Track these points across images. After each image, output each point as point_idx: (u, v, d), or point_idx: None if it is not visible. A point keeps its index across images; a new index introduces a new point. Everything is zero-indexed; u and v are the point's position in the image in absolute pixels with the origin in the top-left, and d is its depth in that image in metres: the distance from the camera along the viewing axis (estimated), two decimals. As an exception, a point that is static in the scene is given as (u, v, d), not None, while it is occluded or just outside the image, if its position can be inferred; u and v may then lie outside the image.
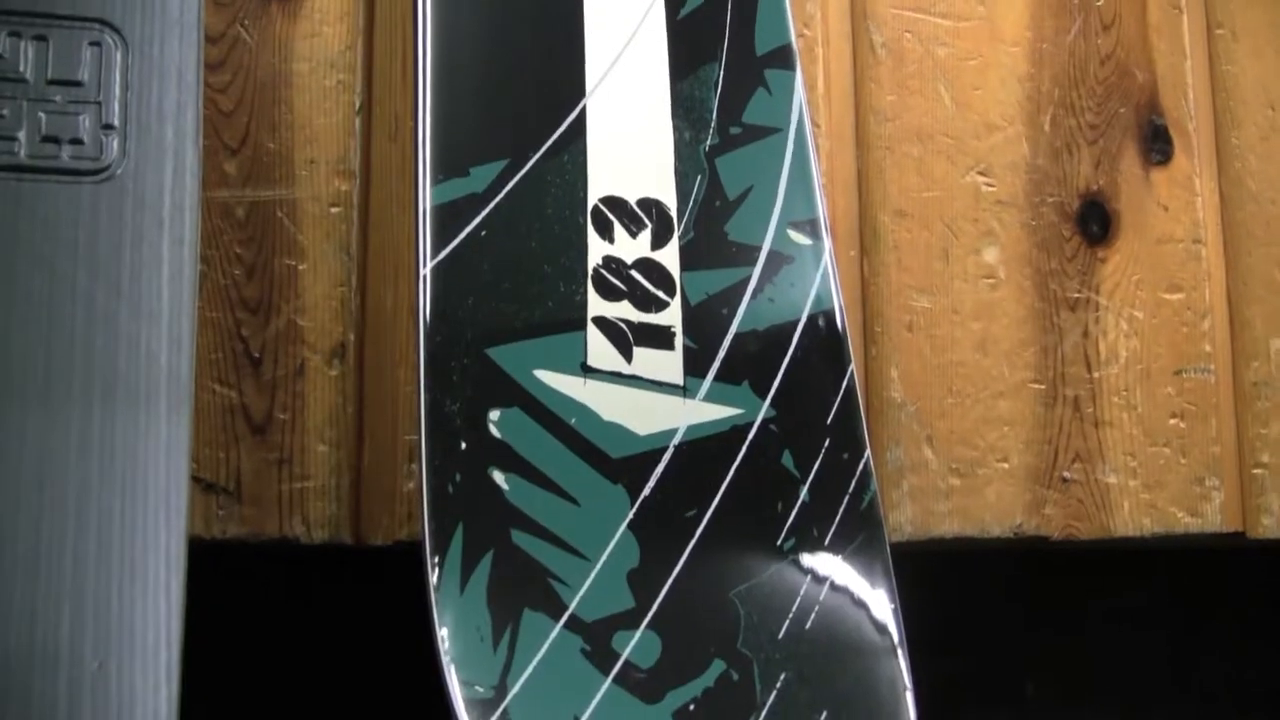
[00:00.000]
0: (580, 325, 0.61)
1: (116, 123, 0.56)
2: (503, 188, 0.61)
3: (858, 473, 0.63)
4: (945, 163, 0.82)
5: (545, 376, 0.59)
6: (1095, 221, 0.84)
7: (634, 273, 0.62)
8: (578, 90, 0.64)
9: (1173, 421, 0.83)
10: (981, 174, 0.82)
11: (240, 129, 0.69)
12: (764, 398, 0.62)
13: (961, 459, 0.79)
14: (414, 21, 0.64)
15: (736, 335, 0.63)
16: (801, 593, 0.59)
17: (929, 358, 0.80)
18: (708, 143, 0.66)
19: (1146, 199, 0.86)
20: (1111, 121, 0.86)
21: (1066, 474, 0.81)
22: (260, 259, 0.69)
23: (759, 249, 0.65)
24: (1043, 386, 0.81)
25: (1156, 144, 0.87)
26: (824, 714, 0.57)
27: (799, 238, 0.66)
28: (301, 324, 0.69)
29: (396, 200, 0.71)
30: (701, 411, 0.61)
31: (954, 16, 0.84)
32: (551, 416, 0.59)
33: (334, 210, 0.70)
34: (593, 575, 0.56)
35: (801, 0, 0.80)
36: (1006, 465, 0.80)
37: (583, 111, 0.64)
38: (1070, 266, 0.83)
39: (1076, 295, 0.83)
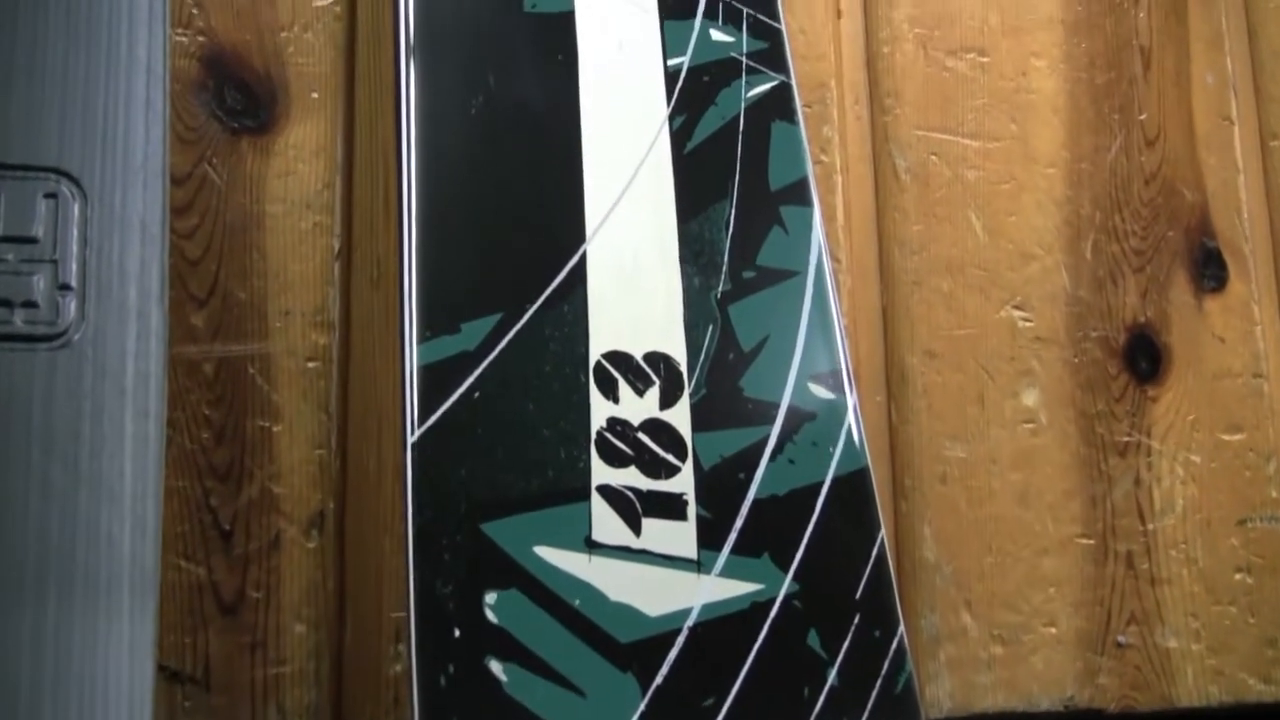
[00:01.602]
0: (584, 495, 0.61)
1: (74, 283, 0.57)
2: (497, 344, 0.62)
3: (891, 652, 0.62)
4: (978, 297, 0.83)
5: (546, 553, 0.59)
6: (1144, 357, 0.85)
7: (641, 435, 0.63)
8: (577, 234, 0.65)
9: (1239, 576, 0.83)
10: (1018, 308, 0.83)
11: (208, 278, 0.70)
12: (786, 571, 0.62)
13: (1004, 624, 0.79)
14: (398, 158, 0.65)
15: (755, 502, 0.63)
16: (832, 791, 0.59)
17: (965, 513, 0.80)
18: (719, 289, 0.67)
19: (1200, 330, 0.86)
20: (1159, 246, 0.87)
21: (1121, 638, 0.80)
22: (230, 420, 0.69)
23: (777, 406, 0.65)
24: (1092, 541, 0.81)
25: (1209, 269, 0.88)
26: None
27: (821, 391, 0.66)
28: (276, 491, 0.69)
29: (380, 352, 0.72)
30: (718, 588, 0.61)
31: (984, 136, 0.85)
32: (553, 598, 0.59)
33: (311, 365, 0.71)
34: (601, 776, 0.56)
35: (817, 124, 0.82)
36: (1054, 630, 0.79)
37: (583, 258, 0.65)
38: (1118, 407, 0.84)
39: (1126, 439, 0.83)
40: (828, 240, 0.71)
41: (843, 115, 0.83)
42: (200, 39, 0.72)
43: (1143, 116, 0.89)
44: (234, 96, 0.72)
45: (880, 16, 0.86)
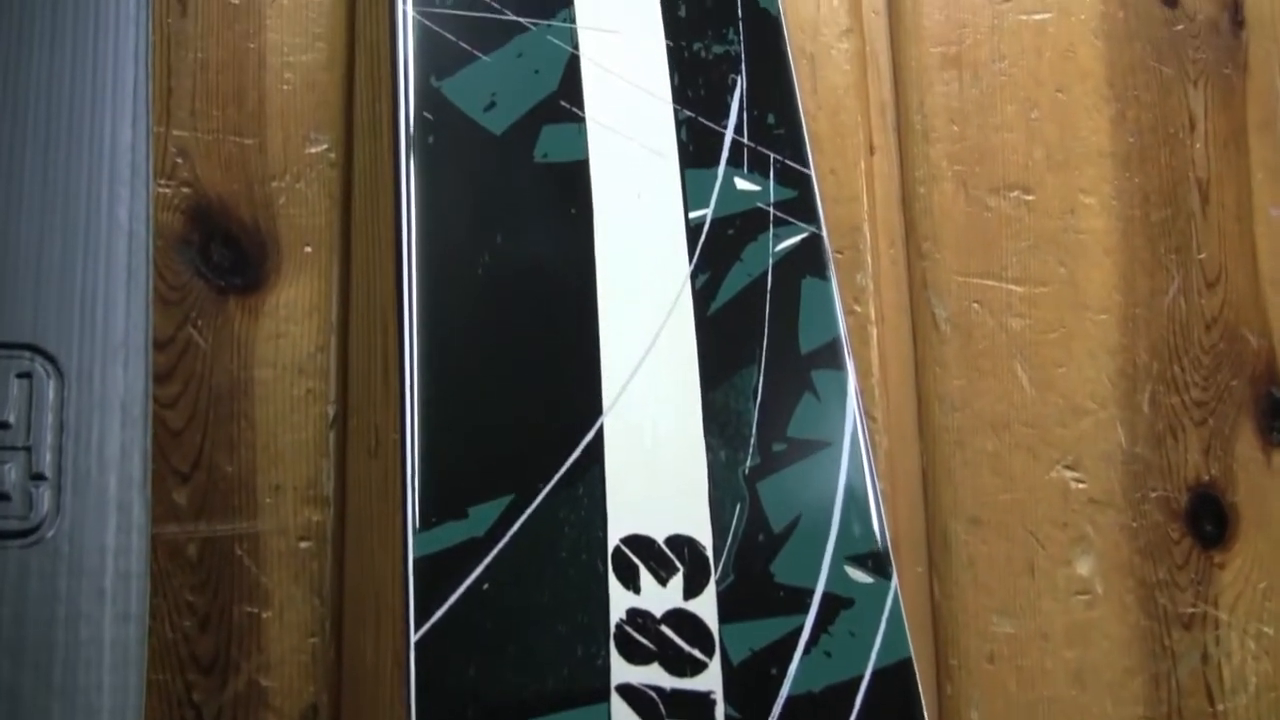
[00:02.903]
0: (602, 696, 0.61)
1: (49, 472, 0.57)
2: (508, 530, 0.62)
3: None
4: (1026, 457, 0.83)
5: (561, 763, 0.59)
6: (1209, 519, 0.85)
7: (664, 628, 0.63)
8: (593, 405, 0.65)
9: (1317, 762, 0.82)
10: (1070, 468, 0.83)
11: (192, 450, 0.70)
12: (824, 778, 0.62)
13: (1063, 821, 0.78)
14: (398, 319, 0.65)
15: (788, 700, 0.63)
16: None
17: (1015, 695, 0.79)
18: (747, 464, 0.67)
19: (1270, 488, 0.86)
20: (1222, 397, 0.87)
21: (1191, 834, 0.80)
22: (216, 607, 0.69)
23: (811, 592, 0.65)
24: (1157, 727, 0.81)
25: (1278, 421, 0.88)
26: None
27: (859, 575, 0.66)
28: (265, 684, 0.69)
29: (378, 528, 0.72)
30: (749, 799, 0.61)
31: (1030, 281, 0.86)
32: (570, 813, 0.58)
33: (304, 545, 0.71)
34: None
35: (850, 271, 0.82)
36: (1118, 826, 0.79)
37: (599, 432, 0.65)
38: (1181, 575, 0.83)
39: (1191, 610, 0.83)
40: (863, 398, 0.71)
41: (877, 261, 0.84)
42: (185, 190, 0.73)
43: (1202, 256, 0.90)
44: (221, 252, 0.73)
45: (916, 153, 0.86)
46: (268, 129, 0.75)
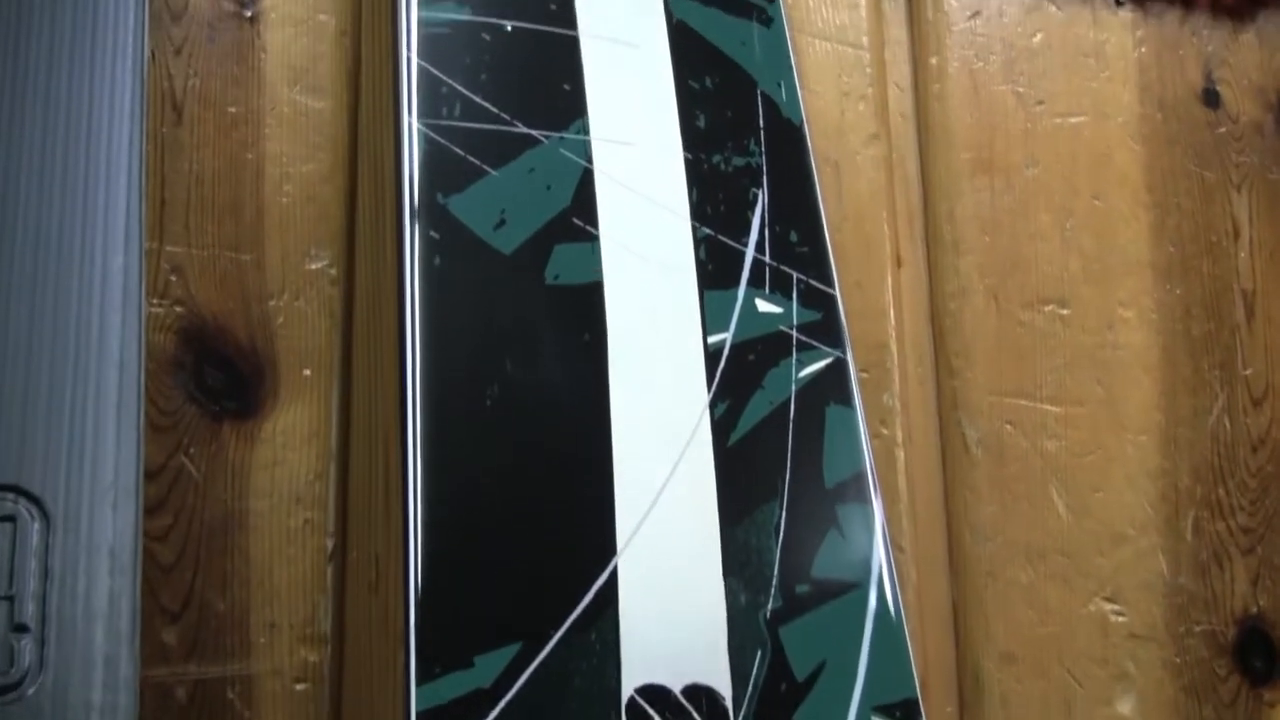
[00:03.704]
0: None
1: (32, 623, 0.57)
2: (515, 681, 0.62)
3: None
4: (1062, 588, 0.82)
5: None
6: (1258, 654, 0.84)
7: (681, 787, 0.62)
8: (606, 546, 0.65)
9: None
10: (1109, 600, 0.83)
11: (183, 587, 0.70)
12: None
13: None
14: (401, 452, 0.65)
15: None
16: None
17: (1055, 845, 0.79)
18: (769, 607, 0.66)
19: (1319, 620, 0.86)
20: (1271, 523, 0.87)
21: None
22: (205, 755, 0.69)
23: (838, 747, 0.65)
24: None
25: (1327, 547, 0.88)
26: None
27: (888, 727, 0.66)
28: (255, 838, 0.69)
29: (379, 668, 0.71)
30: None
31: (1065, 400, 0.86)
32: None
33: (300, 688, 0.71)
34: None
35: (876, 391, 0.82)
36: None
37: (613, 574, 0.65)
38: (1229, 715, 0.83)
39: (1239, 752, 0.83)
40: (889, 527, 0.70)
41: (905, 380, 0.84)
42: (178, 309, 0.73)
43: (1248, 372, 0.90)
44: (215, 375, 0.73)
45: (946, 265, 0.87)
46: (265, 244, 0.75)
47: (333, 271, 0.76)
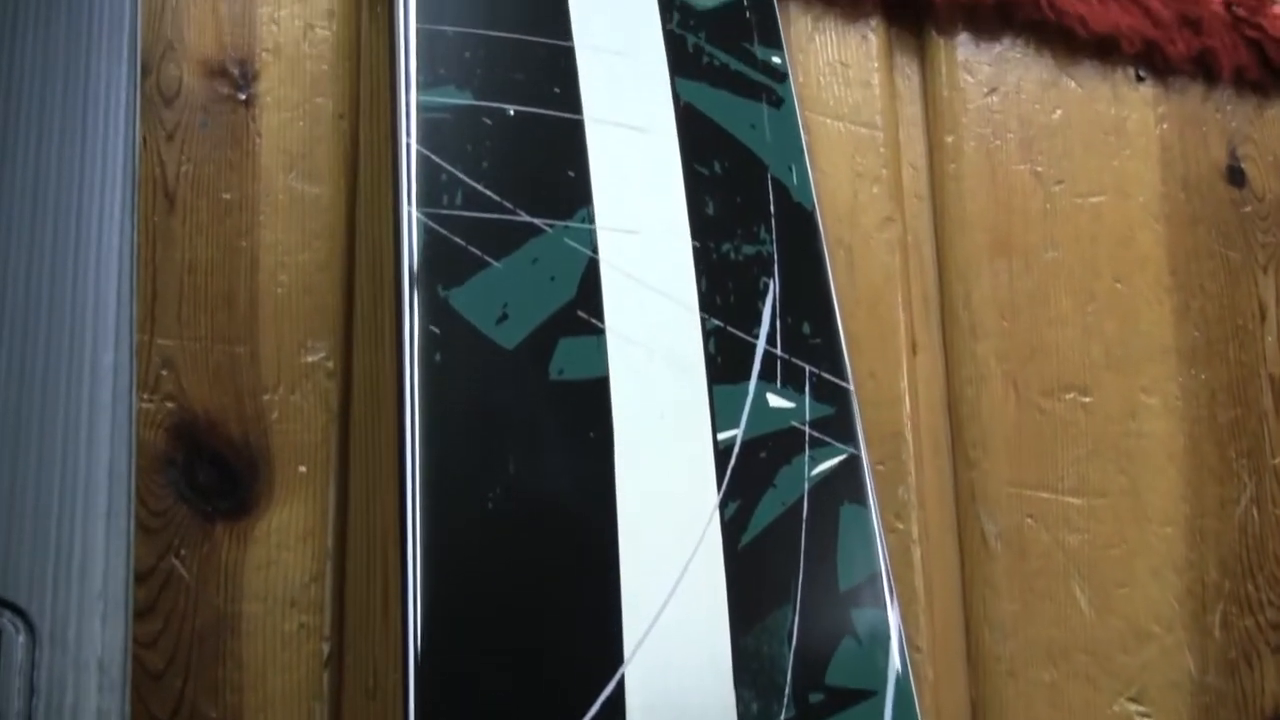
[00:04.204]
0: None
1: (19, 743, 0.56)
2: (518, 798, 0.61)
3: None
4: (1086, 688, 0.82)
5: None
6: (1289, 755, 0.84)
7: None
8: (613, 654, 0.65)
9: None
10: (1134, 700, 0.83)
11: (172, 695, 0.70)
12: None
13: None
14: (401, 555, 0.65)
15: None
16: None
17: None
18: (781, 717, 0.66)
19: (1353, 719, 0.86)
20: (1300, 618, 0.87)
21: None
22: None
23: None
24: None
25: (1361, 642, 0.88)
26: None
27: (906, 844, 0.65)
28: None
29: (374, 779, 0.71)
30: None
31: (1088, 492, 0.86)
32: None
33: (293, 800, 0.70)
34: None
35: (891, 485, 0.82)
36: None
37: (620, 684, 0.64)
38: (1260, 821, 0.82)
39: None
40: (905, 626, 0.70)
41: (921, 472, 0.83)
42: (169, 405, 0.73)
43: (1277, 460, 0.90)
44: (207, 473, 0.73)
45: (963, 351, 0.87)
46: (260, 335, 0.75)
47: (329, 364, 0.76)
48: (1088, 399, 0.87)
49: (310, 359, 0.76)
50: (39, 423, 0.61)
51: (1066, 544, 0.84)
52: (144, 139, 0.75)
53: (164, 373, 0.73)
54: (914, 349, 0.86)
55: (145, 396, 0.72)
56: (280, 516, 0.73)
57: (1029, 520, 0.84)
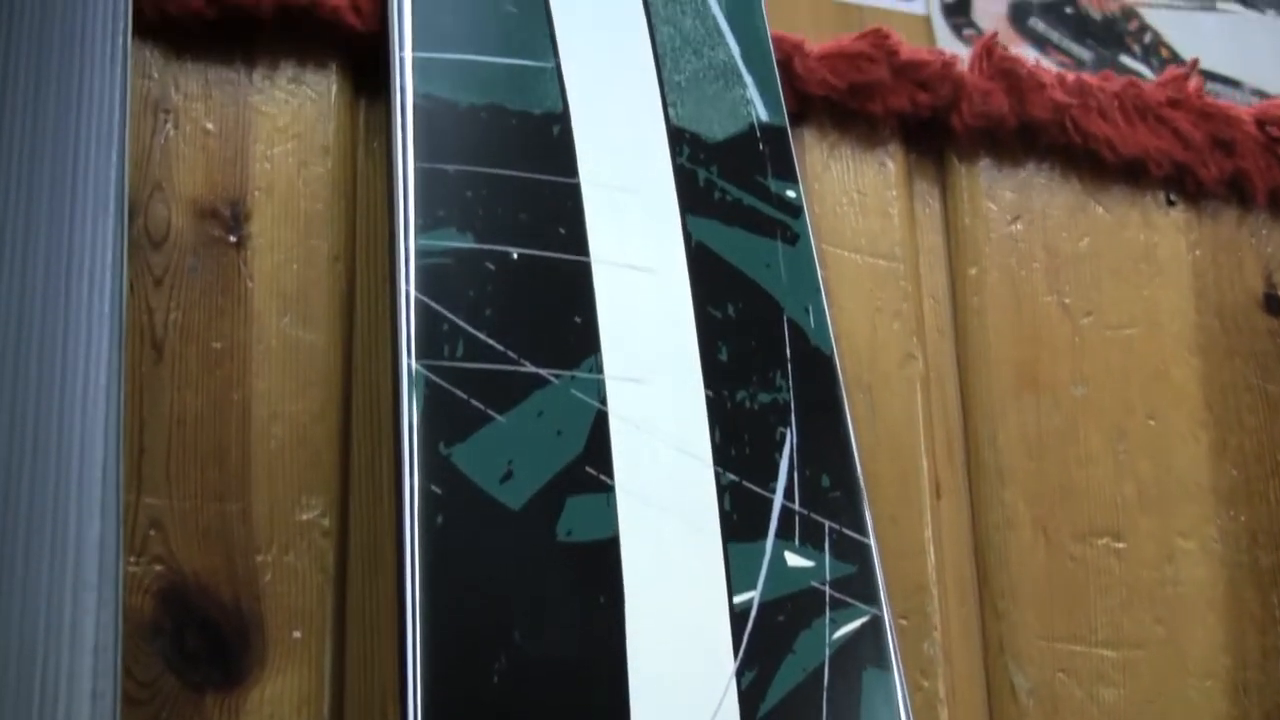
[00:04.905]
0: None
1: None
2: None
3: None
4: None
5: None
6: None
7: None
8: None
9: None
10: None
11: None
12: None
13: None
14: (402, 710, 0.65)
15: None
16: None
17: None
18: None
19: None
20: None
21: None
22: None
23: None
24: None
25: None
26: None
27: None
28: None
29: None
30: None
31: (1123, 644, 0.85)
32: None
33: None
34: None
35: (915, 640, 0.82)
36: None
37: None
38: None
39: None
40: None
41: (946, 625, 0.83)
42: (157, 568, 0.73)
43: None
44: (197, 640, 0.73)
45: (989, 495, 0.87)
46: (252, 492, 0.75)
47: (325, 522, 0.76)
48: (1121, 544, 0.87)
49: (305, 516, 0.76)
50: (20, 603, 0.61)
51: (1102, 699, 0.84)
52: (131, 285, 0.75)
53: (152, 533, 0.73)
54: (938, 493, 0.86)
55: (132, 560, 0.72)
56: (274, 686, 0.73)
57: (1061, 675, 0.83)
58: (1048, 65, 1.01)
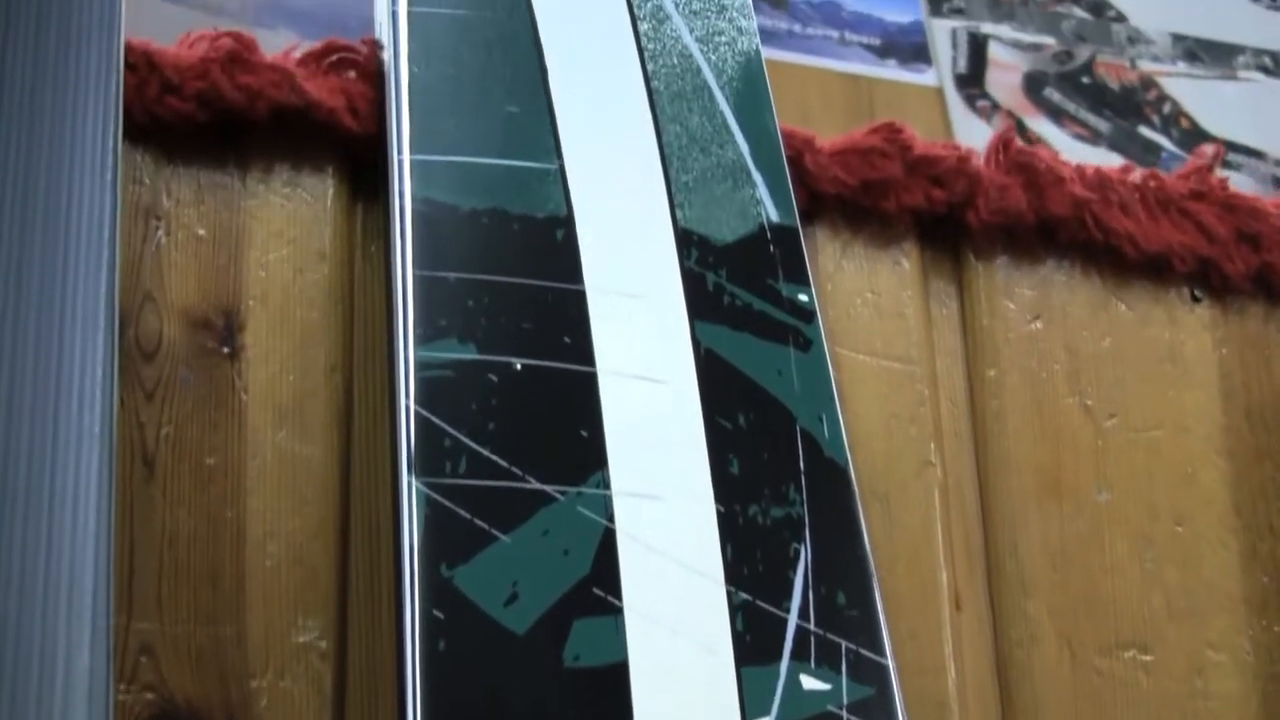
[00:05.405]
0: None
1: None
2: None
3: None
4: None
5: None
6: None
7: None
8: None
9: None
10: None
11: None
12: None
13: None
14: None
15: None
16: None
17: None
18: None
19: None
20: None
21: None
22: None
23: None
24: None
25: None
26: None
27: None
28: None
29: None
30: None
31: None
32: None
33: None
34: None
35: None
36: None
37: None
38: None
39: None
40: None
41: (969, 746, 0.83)
42: (148, 696, 0.72)
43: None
44: (189, 773, 0.72)
45: (1012, 608, 0.86)
46: (247, 615, 0.75)
47: (323, 644, 0.76)
48: (1148, 657, 0.86)
49: (302, 639, 0.75)
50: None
51: None
52: (121, 399, 0.75)
53: (143, 659, 0.73)
54: (958, 606, 0.86)
55: (122, 688, 0.72)
56: (268, 836, 0.73)
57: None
58: (1064, 136, 1.01)
